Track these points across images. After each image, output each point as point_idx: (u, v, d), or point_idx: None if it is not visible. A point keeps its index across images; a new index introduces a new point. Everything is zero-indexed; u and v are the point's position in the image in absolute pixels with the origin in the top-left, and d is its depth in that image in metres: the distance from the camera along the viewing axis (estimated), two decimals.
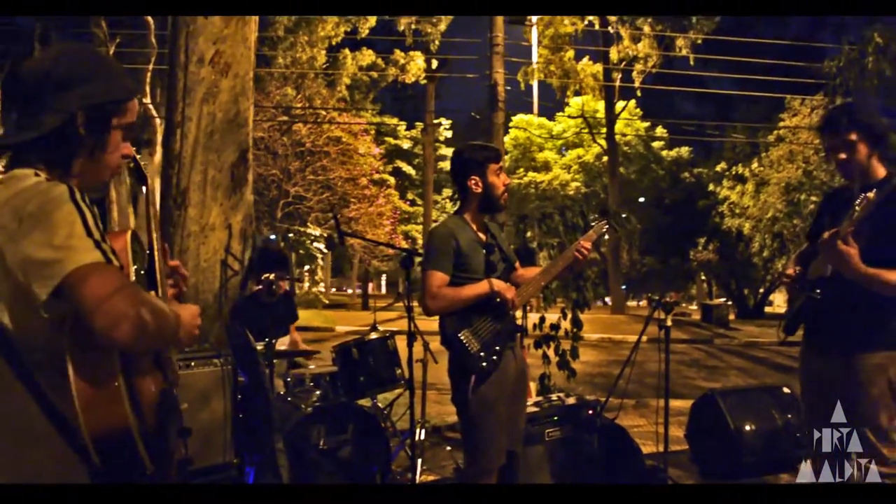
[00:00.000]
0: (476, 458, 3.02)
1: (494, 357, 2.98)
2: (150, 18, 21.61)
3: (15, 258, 1.39)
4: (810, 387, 3.07)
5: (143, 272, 1.74)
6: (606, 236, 3.36)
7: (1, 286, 1.42)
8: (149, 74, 22.25)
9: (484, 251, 3.10)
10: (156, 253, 1.80)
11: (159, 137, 22.29)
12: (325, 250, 28.07)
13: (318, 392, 4.15)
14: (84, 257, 1.37)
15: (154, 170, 22.46)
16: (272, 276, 4.27)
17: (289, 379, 4.33)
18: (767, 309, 30.87)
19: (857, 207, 2.53)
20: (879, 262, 2.61)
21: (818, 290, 2.83)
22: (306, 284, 30.99)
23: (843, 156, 2.81)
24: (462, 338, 2.94)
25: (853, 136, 2.79)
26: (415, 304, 3.58)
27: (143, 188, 1.98)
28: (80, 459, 1.41)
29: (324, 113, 24.00)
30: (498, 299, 3.00)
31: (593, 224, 3.34)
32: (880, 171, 2.82)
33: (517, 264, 3.30)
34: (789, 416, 4.52)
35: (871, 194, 2.49)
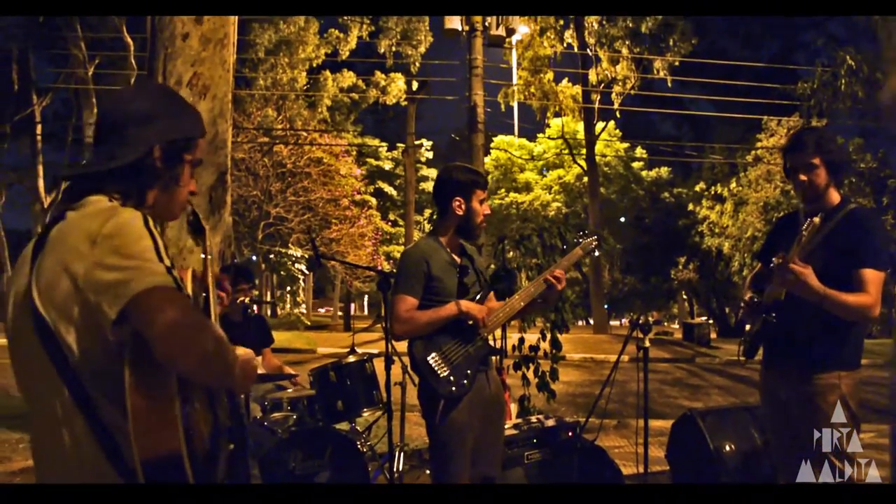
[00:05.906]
0: (441, 482, 2.94)
1: (465, 381, 2.90)
2: (129, 40, 21.57)
3: (86, 279, 1.39)
4: (770, 405, 3.13)
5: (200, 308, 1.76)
6: (596, 252, 3.26)
7: (70, 308, 1.41)
8: None
9: (458, 273, 3.03)
10: (211, 295, 1.83)
11: None
12: (307, 271, 27.94)
13: (295, 416, 4.10)
14: (155, 280, 1.36)
15: None
16: (246, 299, 4.22)
17: (266, 403, 4.28)
18: (749, 327, 31.02)
19: (804, 232, 2.59)
20: (833, 286, 2.67)
21: (773, 315, 2.91)
22: (288, 306, 30.77)
23: (803, 177, 2.87)
24: (431, 362, 2.86)
25: (816, 160, 2.85)
26: None
27: (200, 240, 1.99)
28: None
29: (305, 134, 24.03)
30: (469, 321, 2.92)
31: (580, 241, 3.24)
32: (835, 198, 2.89)
33: (491, 294, 3.20)
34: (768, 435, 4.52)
35: (816, 219, 2.56)
